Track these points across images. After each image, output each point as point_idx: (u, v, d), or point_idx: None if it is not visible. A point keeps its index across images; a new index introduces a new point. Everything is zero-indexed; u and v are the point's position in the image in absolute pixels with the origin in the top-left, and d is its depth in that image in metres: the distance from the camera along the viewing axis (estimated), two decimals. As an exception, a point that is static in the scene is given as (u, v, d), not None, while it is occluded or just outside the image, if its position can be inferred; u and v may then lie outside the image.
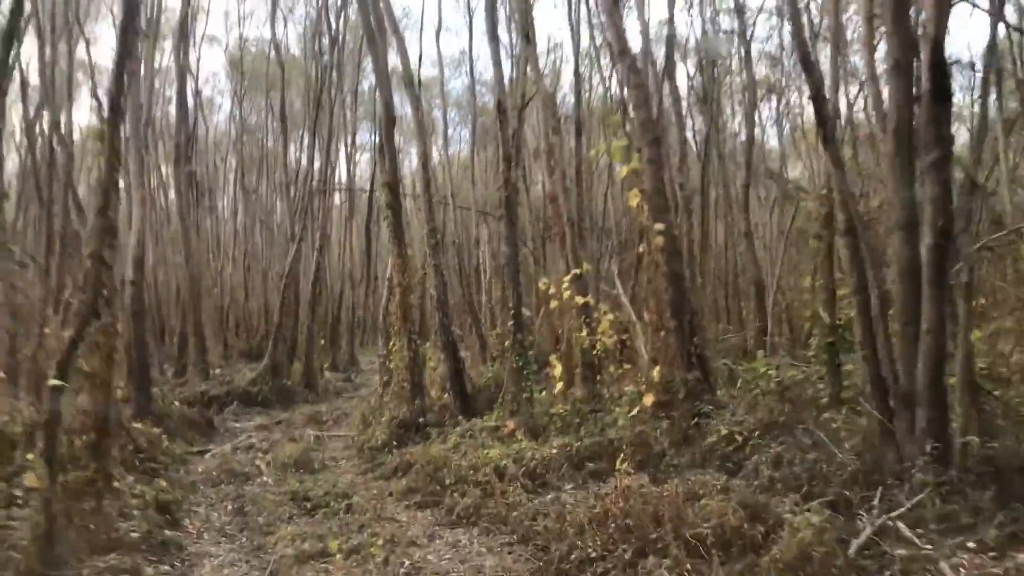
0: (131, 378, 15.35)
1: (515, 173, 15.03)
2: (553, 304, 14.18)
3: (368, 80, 33.46)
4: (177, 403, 16.61)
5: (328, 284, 34.81)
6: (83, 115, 64.54)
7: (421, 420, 13.37)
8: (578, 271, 13.96)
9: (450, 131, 45.32)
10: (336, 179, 34.97)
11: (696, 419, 10.81)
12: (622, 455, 10.14)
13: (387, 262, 18.91)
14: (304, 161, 28.58)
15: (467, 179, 35.94)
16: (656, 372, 11.44)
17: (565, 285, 13.86)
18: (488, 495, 9.18)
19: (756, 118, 26.37)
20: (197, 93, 33.51)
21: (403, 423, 13.40)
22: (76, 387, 7.23)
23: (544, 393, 14.24)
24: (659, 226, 11.86)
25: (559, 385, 13.82)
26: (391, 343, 15.59)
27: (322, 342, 28.61)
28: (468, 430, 12.61)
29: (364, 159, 49.08)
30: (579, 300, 13.73)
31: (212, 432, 16.28)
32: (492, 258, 28.87)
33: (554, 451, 10.68)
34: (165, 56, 32.99)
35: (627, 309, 14.48)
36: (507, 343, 13.69)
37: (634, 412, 11.29)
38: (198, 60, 35.37)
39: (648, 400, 11.30)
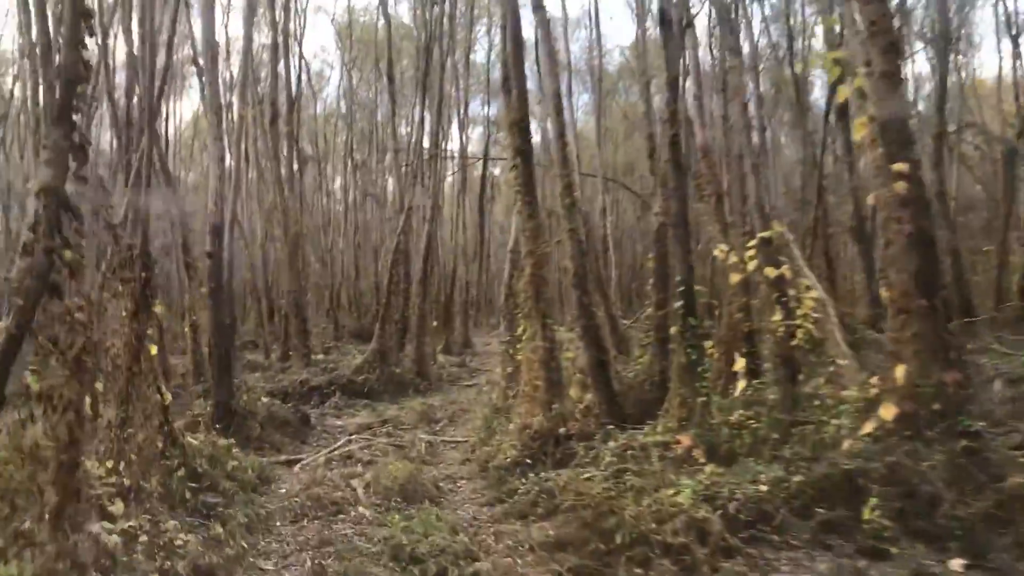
0: (212, 368, 12.81)
1: (682, 104, 11.52)
2: (734, 278, 10.71)
3: (480, 48, 30.49)
4: (266, 398, 13.95)
5: (440, 260, 32.06)
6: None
7: (562, 431, 10.15)
8: (766, 234, 10.42)
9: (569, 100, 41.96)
10: (448, 151, 32.14)
11: (965, 442, 7.23)
12: (871, 499, 6.73)
13: (503, 238, 15.88)
14: (414, 132, 25.93)
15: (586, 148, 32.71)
16: (900, 371, 7.87)
17: (750, 253, 10.35)
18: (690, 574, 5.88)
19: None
20: (301, 57, 31.15)
21: (538, 433, 10.22)
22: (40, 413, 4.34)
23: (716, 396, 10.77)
24: (900, 167, 8.22)
25: (740, 385, 10.37)
26: (520, 329, 12.44)
27: (434, 323, 25.83)
28: (626, 446, 9.28)
29: (476, 133, 46.40)
30: (770, 272, 10.21)
31: (307, 432, 13.59)
32: (615, 228, 25.38)
33: (763, 488, 7.27)
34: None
35: (813, 284, 10.88)
36: (674, 329, 10.29)
37: (869, 428, 7.79)
38: (302, 27, 33.15)
39: (889, 412, 7.74)
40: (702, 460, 8.61)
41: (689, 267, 10.24)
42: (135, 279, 6.98)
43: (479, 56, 36.04)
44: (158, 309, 8.50)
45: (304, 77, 33.28)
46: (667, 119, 10.34)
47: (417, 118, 24.62)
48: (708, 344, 10.91)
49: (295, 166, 24.45)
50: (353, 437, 12.78)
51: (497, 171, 59.20)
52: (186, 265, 16.88)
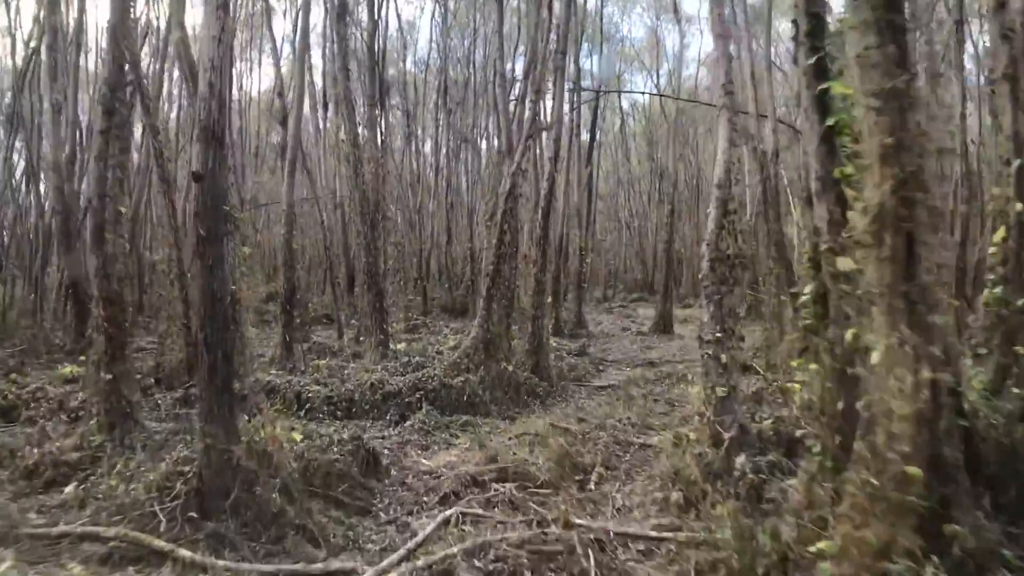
0: (199, 383, 7.18)
1: None
2: None
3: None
4: (301, 439, 8.13)
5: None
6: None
7: None
8: None
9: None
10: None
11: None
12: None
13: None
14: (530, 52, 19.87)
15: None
16: None
17: None
18: None
19: None
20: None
21: None
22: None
23: None
24: None
25: None
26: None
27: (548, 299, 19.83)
28: None
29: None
30: None
31: (372, 491, 7.82)
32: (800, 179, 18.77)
33: None
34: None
35: None
36: None
37: None
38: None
39: None
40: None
41: None
42: None
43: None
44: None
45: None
46: None
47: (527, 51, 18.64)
48: None
49: (377, 97, 18.71)
50: (452, 515, 6.89)
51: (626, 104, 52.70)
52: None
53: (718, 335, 8.21)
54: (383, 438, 10.34)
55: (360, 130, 14.61)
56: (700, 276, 8.71)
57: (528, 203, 17.04)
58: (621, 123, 52.25)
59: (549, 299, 17.73)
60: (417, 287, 33.40)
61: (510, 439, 10.01)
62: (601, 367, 18.25)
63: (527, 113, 14.40)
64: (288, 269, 17.42)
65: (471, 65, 32.48)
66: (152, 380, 13.52)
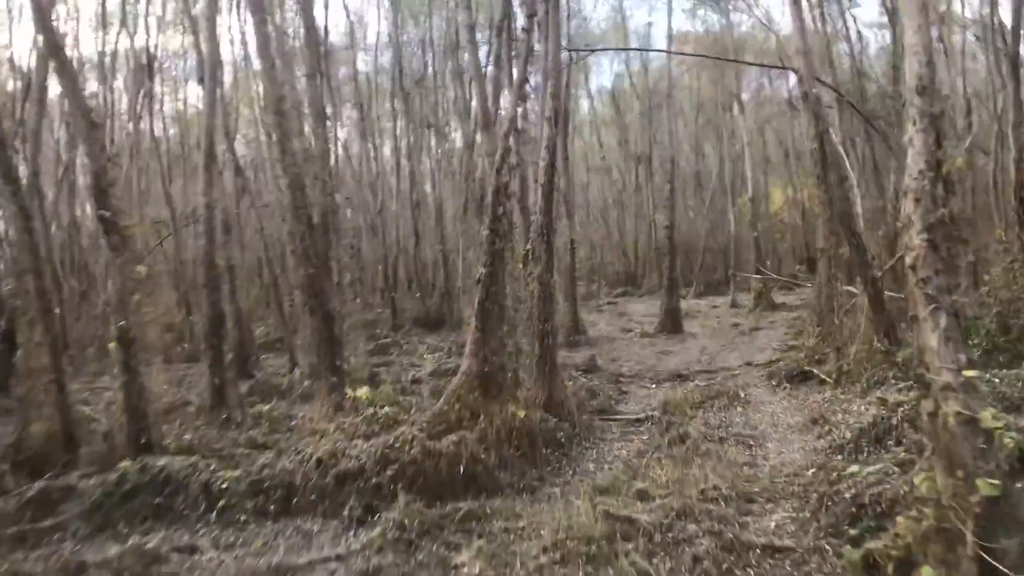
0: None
1: None
2: None
3: None
4: None
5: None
6: None
7: None
8: None
9: None
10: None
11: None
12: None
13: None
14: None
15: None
16: None
17: None
18: None
19: None
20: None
21: None
22: None
23: None
24: None
25: None
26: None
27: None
28: None
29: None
30: None
31: None
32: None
33: None
34: None
35: None
36: None
37: None
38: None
39: None
40: None
41: None
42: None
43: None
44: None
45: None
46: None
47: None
48: None
49: (315, 67, 14.54)
50: None
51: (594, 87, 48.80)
52: None
53: (965, 377, 4.28)
54: (336, 560, 6.28)
55: (287, 91, 10.44)
56: (907, 260, 4.75)
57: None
58: (590, 106, 48.44)
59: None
60: (385, 299, 29.28)
61: (545, 550, 5.99)
62: (621, 386, 14.31)
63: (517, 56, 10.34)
64: (212, 291, 13.26)
65: (429, 39, 28.27)
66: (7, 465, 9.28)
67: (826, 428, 9.37)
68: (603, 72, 77.48)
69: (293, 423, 11.38)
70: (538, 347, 10.59)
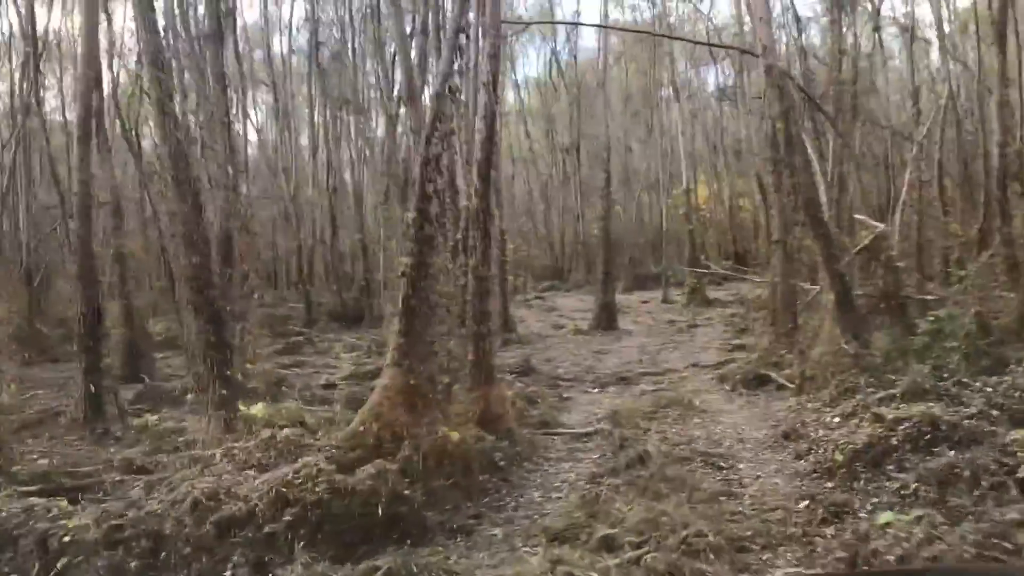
0: None
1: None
2: None
3: None
4: None
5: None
6: None
7: None
8: None
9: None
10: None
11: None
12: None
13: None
14: None
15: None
16: None
17: None
18: None
19: None
20: None
21: None
22: None
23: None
24: None
25: None
26: None
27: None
28: None
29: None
30: None
31: None
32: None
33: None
34: None
35: None
36: None
37: None
38: None
39: None
40: None
41: None
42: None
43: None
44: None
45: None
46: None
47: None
48: None
49: (214, 30, 12.63)
50: None
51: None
52: None
53: None
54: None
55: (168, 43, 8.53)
56: None
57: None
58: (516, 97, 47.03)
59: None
60: (299, 292, 27.18)
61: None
62: (561, 391, 12.88)
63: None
64: (87, 284, 11.22)
65: (348, 16, 26.19)
66: None
67: (804, 446, 8.10)
68: (529, 63, 76.29)
69: (181, 439, 9.54)
70: (473, 352, 9.03)
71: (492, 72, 9.18)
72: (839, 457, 7.02)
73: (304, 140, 34.05)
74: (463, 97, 10.49)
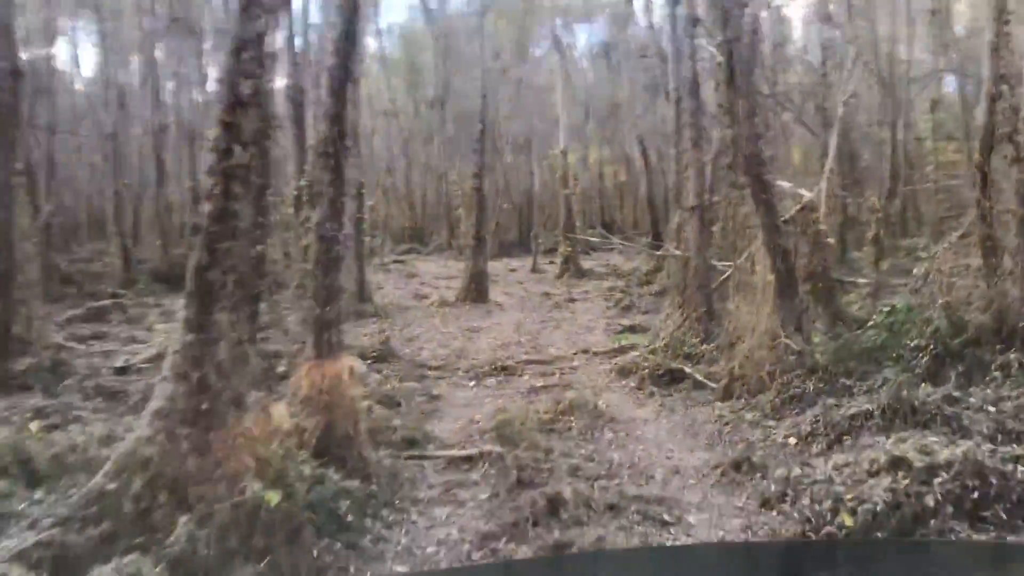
0: None
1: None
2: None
3: None
4: None
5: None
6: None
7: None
8: None
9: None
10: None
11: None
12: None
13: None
14: None
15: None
16: None
17: None
18: None
19: None
20: None
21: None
22: None
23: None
24: None
25: None
26: None
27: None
28: None
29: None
30: None
31: None
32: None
33: None
34: None
35: None
36: None
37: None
38: None
39: None
40: None
41: None
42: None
43: None
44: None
45: None
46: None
47: None
48: None
49: None
50: None
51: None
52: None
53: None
54: None
55: None
56: None
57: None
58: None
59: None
60: (117, 246, 22.90)
61: None
62: (428, 385, 10.20)
63: None
64: None
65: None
66: None
67: (772, 488, 5.85)
68: (392, 9, 71.74)
69: None
70: (313, 345, 6.20)
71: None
72: (849, 522, 4.78)
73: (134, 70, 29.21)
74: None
